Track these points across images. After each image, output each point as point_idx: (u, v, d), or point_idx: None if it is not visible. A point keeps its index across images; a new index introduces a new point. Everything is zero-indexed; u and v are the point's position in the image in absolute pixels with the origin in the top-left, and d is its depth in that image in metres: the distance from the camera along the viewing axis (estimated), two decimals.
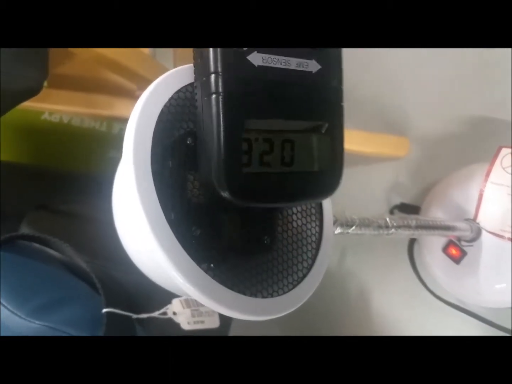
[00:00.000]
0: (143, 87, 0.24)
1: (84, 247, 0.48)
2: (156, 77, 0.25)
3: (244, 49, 0.21)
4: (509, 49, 0.58)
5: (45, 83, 0.68)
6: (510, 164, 0.50)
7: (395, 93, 0.65)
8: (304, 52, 0.23)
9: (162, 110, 0.24)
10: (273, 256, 0.28)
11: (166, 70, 0.59)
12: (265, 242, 0.28)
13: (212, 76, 0.20)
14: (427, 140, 0.63)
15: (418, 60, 0.64)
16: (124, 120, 0.23)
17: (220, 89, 0.20)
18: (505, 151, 0.51)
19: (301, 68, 0.23)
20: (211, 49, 0.21)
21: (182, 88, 0.25)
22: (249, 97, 0.21)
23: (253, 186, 0.22)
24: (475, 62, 0.60)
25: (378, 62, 0.65)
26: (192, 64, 0.24)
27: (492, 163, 0.51)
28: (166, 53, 0.62)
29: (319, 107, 0.23)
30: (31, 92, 0.41)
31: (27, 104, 0.60)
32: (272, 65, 0.22)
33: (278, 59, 0.22)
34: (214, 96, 0.20)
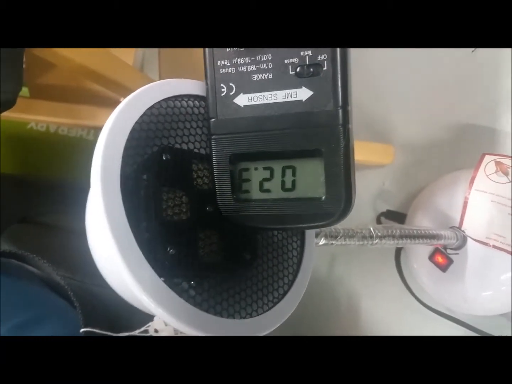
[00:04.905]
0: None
1: (65, 261, 0.47)
2: (140, 87, 0.24)
3: (231, 93, 0.24)
4: (493, 56, 0.58)
5: (28, 94, 0.67)
6: (494, 171, 0.50)
7: (379, 100, 0.65)
8: (290, 82, 0.23)
9: (133, 127, 0.23)
10: (252, 273, 0.27)
11: (151, 80, 0.58)
12: (246, 258, 0.27)
13: (211, 121, 0.25)
14: (412, 147, 0.63)
15: (402, 66, 0.64)
16: None
17: (212, 131, 0.25)
18: (488, 158, 0.51)
19: (288, 99, 0.23)
20: (209, 97, 0.25)
21: (155, 104, 0.24)
22: (237, 135, 0.25)
23: (251, 211, 0.25)
24: (459, 68, 0.61)
25: (361, 69, 0.65)
26: (164, 81, 0.25)
27: (476, 170, 0.51)
28: (152, 64, 0.62)
29: (309, 133, 0.23)
30: (7, 104, 0.40)
31: (12, 115, 0.59)
32: (257, 102, 0.24)
33: (264, 95, 0.24)
34: (211, 137, 0.25)
